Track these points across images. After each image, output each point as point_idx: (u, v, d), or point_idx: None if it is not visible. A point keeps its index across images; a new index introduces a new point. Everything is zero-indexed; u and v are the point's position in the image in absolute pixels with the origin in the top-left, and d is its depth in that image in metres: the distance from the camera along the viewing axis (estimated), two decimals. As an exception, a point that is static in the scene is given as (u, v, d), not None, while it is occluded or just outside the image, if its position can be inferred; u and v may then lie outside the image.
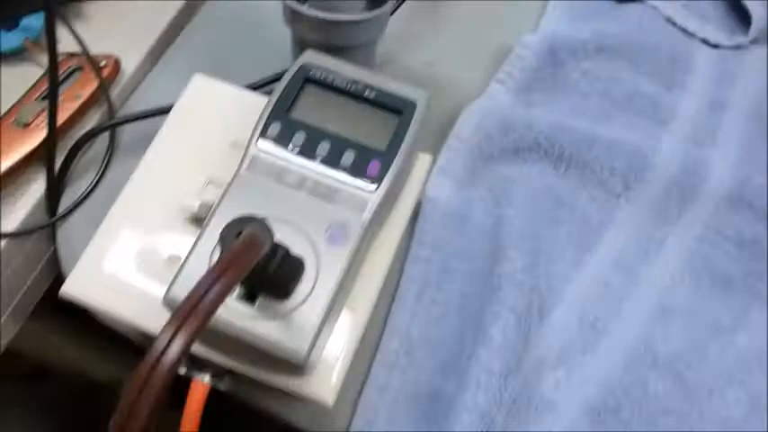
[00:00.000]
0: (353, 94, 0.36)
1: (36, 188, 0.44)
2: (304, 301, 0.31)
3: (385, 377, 0.39)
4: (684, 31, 0.50)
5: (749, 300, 0.41)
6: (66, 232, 0.44)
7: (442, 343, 0.40)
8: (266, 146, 0.34)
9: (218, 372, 0.35)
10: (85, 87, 0.45)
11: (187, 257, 0.31)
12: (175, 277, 0.31)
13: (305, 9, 0.38)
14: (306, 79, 0.36)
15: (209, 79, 0.41)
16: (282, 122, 0.34)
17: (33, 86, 0.45)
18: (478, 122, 0.44)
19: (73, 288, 0.35)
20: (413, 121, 0.35)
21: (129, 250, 0.36)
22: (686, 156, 0.44)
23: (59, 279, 0.49)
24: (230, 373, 0.35)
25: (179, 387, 0.34)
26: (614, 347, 0.40)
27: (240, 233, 0.27)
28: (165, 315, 0.31)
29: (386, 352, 0.39)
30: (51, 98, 0.40)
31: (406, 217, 0.38)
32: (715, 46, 0.50)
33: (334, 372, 0.33)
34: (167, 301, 0.31)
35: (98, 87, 0.45)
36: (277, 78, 0.46)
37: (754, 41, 0.50)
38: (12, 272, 0.44)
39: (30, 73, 0.47)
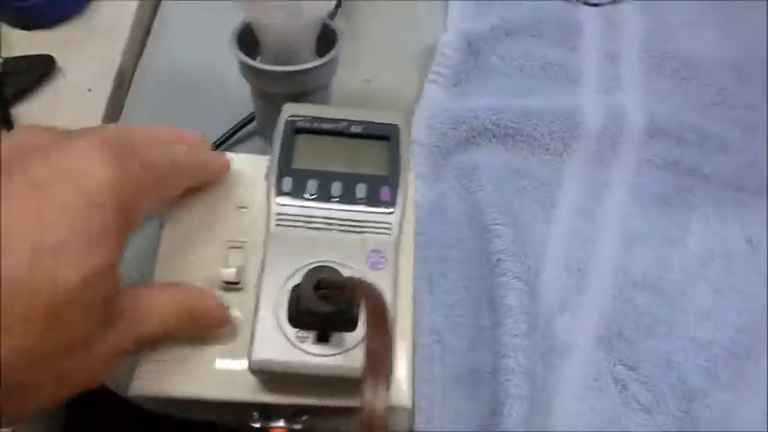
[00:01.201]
0: (342, 132, 0.39)
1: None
2: (370, 326, 0.34)
3: (428, 369, 0.43)
4: (567, -2, 0.57)
5: (686, 210, 0.49)
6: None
7: (462, 324, 0.45)
8: (285, 200, 0.36)
9: (291, 414, 0.38)
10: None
11: (255, 321, 0.33)
12: (252, 342, 0.33)
13: (265, 65, 0.41)
14: (295, 131, 0.38)
15: None
16: (292, 175, 0.37)
17: None
18: (430, 123, 0.49)
19: (141, 386, 0.35)
20: (401, 143, 0.39)
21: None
22: (603, 105, 0.51)
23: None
24: (306, 411, 0.37)
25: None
26: (599, 281, 0.46)
27: (318, 282, 0.31)
28: (241, 380, 0.34)
29: (422, 348, 0.43)
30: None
31: (412, 225, 0.42)
32: (594, 5, 0.57)
33: (403, 378, 0.37)
34: (255, 365, 0.33)
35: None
36: (241, 127, 0.49)
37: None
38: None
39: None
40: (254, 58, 0.42)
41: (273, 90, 0.42)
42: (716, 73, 0.54)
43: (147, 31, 0.57)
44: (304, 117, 0.39)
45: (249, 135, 0.50)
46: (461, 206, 0.48)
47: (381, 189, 0.37)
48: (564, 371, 0.44)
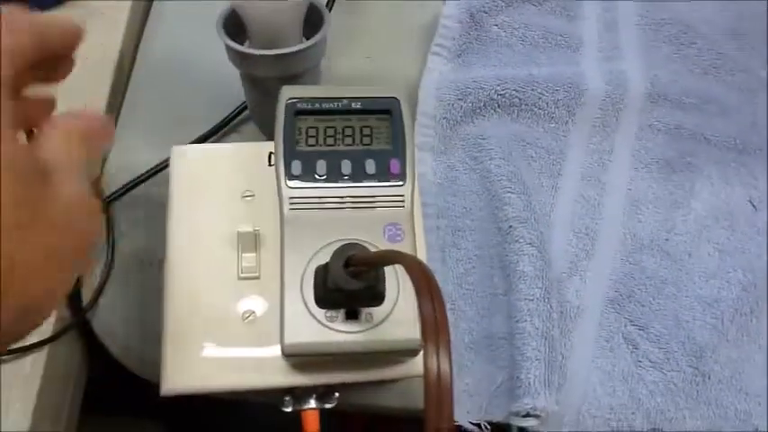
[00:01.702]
0: (343, 110, 0.38)
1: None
2: (397, 297, 0.34)
3: (444, 337, 0.43)
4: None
5: (690, 174, 0.49)
6: (100, 319, 0.43)
7: (475, 291, 0.45)
8: (296, 184, 0.36)
9: (322, 393, 0.38)
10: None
11: (282, 305, 0.33)
12: (283, 327, 0.33)
13: (254, 50, 0.39)
14: (296, 113, 0.37)
15: (188, 147, 0.41)
16: (299, 158, 0.36)
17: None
18: (437, 95, 0.49)
19: (173, 384, 0.35)
20: (403, 115, 0.38)
21: (203, 328, 0.36)
22: (605, 72, 0.51)
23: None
24: (337, 389, 0.38)
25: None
26: (607, 246, 0.47)
27: (347, 260, 0.31)
28: (271, 366, 0.35)
29: (436, 316, 0.44)
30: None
31: (418, 195, 0.42)
32: (591, -29, 0.57)
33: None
34: (288, 350, 0.33)
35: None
36: (237, 114, 0.48)
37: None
38: (57, 380, 0.43)
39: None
40: (242, 44, 0.41)
41: (263, 74, 0.41)
42: (714, 38, 0.54)
43: (146, 14, 0.56)
44: (303, 98, 0.38)
45: (244, 121, 0.50)
46: (470, 176, 0.48)
47: (390, 162, 0.37)
48: (576, 333, 0.45)
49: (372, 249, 0.34)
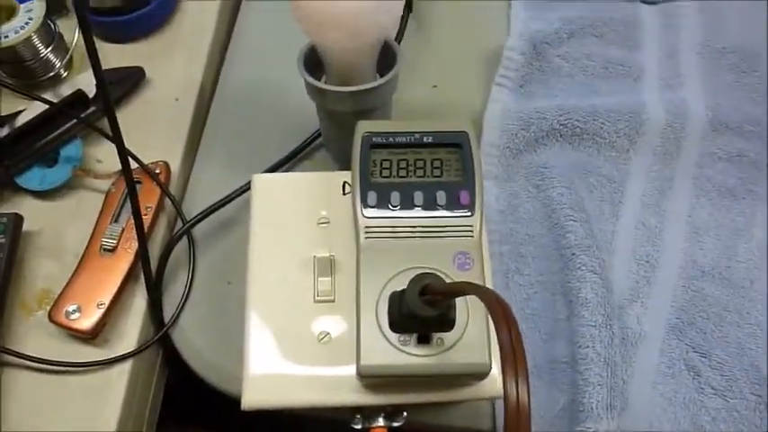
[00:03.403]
0: (415, 144, 0.39)
1: (137, 305, 0.45)
2: (466, 324, 0.35)
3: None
4: (625, -3, 0.57)
5: (752, 201, 0.49)
6: (181, 334, 0.45)
7: (538, 316, 0.45)
8: (371, 213, 0.37)
9: (391, 412, 0.39)
10: (151, 197, 0.46)
11: (358, 329, 0.35)
12: (359, 349, 0.34)
13: (331, 86, 0.41)
14: (371, 146, 0.39)
15: (267, 175, 0.43)
16: (375, 189, 0.38)
17: (102, 212, 0.46)
18: (501, 126, 0.49)
19: (253, 399, 0.37)
20: (473, 148, 0.39)
21: (281, 347, 0.38)
22: (666, 101, 0.51)
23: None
24: (405, 408, 0.39)
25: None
26: (668, 273, 0.47)
27: (423, 289, 0.32)
28: (345, 385, 0.36)
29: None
30: (137, 222, 0.42)
31: (484, 224, 0.42)
32: (653, 2, 0.57)
33: (495, 369, 0.38)
34: (364, 370, 0.34)
35: (162, 194, 0.47)
36: (311, 142, 0.50)
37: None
38: (139, 390, 0.45)
39: (82, 200, 0.48)
40: (319, 78, 0.43)
41: (339, 108, 0.43)
42: (775, 65, 0.53)
43: (225, 46, 0.58)
44: (378, 133, 0.39)
45: (316, 149, 0.52)
46: (533, 204, 0.49)
47: (461, 194, 0.38)
48: (637, 359, 0.44)
49: (443, 276, 0.35)
